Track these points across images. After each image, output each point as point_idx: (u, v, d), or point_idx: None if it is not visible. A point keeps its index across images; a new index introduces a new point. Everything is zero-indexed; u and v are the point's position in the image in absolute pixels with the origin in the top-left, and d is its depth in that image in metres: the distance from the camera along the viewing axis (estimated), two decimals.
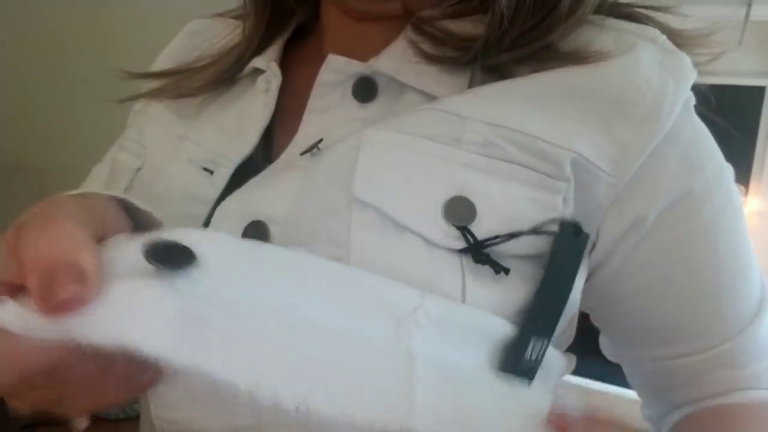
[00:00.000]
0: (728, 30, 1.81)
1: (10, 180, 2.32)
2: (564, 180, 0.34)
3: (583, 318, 2.04)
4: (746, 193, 2.01)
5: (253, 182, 0.36)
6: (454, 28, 0.36)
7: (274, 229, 0.34)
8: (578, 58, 0.36)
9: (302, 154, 0.36)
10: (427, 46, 0.36)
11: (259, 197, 0.35)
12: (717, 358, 0.40)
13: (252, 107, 0.41)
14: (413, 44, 0.37)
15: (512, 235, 0.32)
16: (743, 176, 2.02)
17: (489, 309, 0.32)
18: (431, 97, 0.36)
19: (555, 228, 0.33)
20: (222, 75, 0.44)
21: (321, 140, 0.35)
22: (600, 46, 0.37)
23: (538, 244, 0.33)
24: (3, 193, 2.33)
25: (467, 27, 0.36)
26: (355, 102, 0.38)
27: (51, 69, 2.26)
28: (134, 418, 1.99)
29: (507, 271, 0.32)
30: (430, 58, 0.36)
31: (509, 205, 0.33)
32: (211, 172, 0.40)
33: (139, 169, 0.44)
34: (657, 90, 0.37)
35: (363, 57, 0.38)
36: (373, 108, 0.37)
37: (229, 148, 0.40)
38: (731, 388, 0.39)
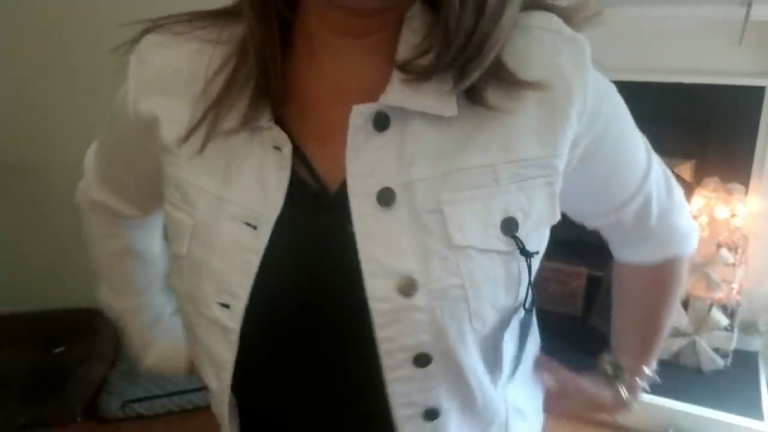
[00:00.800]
0: (728, 30, 1.81)
1: (10, 180, 2.33)
2: (557, 171, 0.50)
3: (583, 318, 2.04)
4: (746, 192, 2.01)
5: (362, 221, 0.47)
6: (425, 62, 0.45)
7: (420, 286, 0.46)
8: (520, 76, 0.47)
9: (381, 202, 0.46)
10: (414, 78, 0.46)
11: (392, 254, 0.46)
12: (635, 210, 0.61)
13: (267, 167, 0.48)
14: (405, 81, 0.46)
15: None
16: (743, 176, 2.02)
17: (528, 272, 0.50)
18: (429, 116, 0.47)
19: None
20: (247, 121, 0.49)
21: (389, 188, 0.46)
22: (536, 72, 0.48)
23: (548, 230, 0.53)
24: (3, 193, 2.33)
25: (430, 56, 0.45)
26: (376, 132, 0.47)
27: (51, 69, 2.27)
28: (134, 418, 1.99)
29: (537, 253, 0.50)
30: (420, 86, 0.46)
31: (535, 207, 0.49)
32: (254, 227, 0.48)
33: (194, 226, 0.50)
34: (575, 86, 0.49)
35: (357, 77, 0.49)
36: (390, 134, 0.47)
37: (262, 206, 0.48)
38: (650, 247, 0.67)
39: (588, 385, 0.72)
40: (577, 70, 0.49)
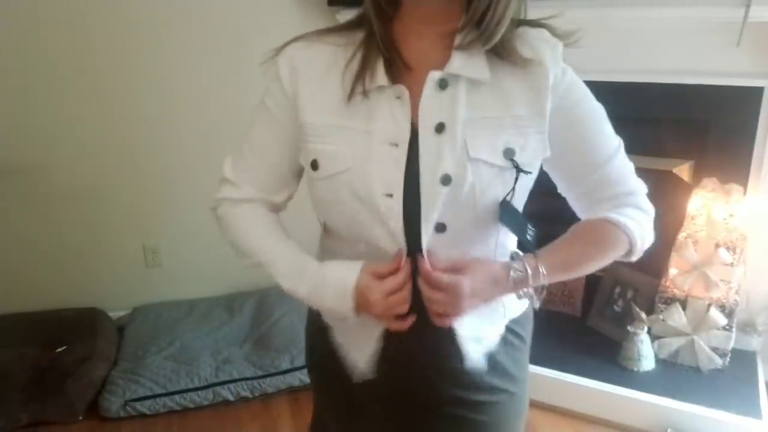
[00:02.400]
0: (726, 31, 1.82)
1: (11, 180, 2.34)
2: (544, 123, 0.79)
3: (583, 319, 2.05)
4: (744, 192, 2.02)
5: (425, 141, 0.77)
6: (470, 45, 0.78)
7: (452, 180, 0.77)
8: (520, 58, 0.78)
9: (437, 131, 0.77)
10: (467, 54, 0.78)
11: (437, 161, 0.77)
12: (602, 176, 0.85)
13: (397, 107, 0.78)
14: (458, 59, 0.77)
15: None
16: (742, 176, 2.03)
17: (525, 189, 0.82)
18: (470, 81, 0.78)
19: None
20: (374, 84, 0.79)
21: (442, 123, 0.77)
22: (527, 54, 0.79)
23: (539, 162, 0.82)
24: (3, 193, 2.34)
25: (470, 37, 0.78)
26: (439, 90, 0.78)
27: (51, 70, 2.28)
28: (135, 417, 2.00)
29: (530, 172, 0.80)
30: (467, 61, 0.78)
31: (530, 145, 0.79)
32: (396, 145, 0.77)
33: (354, 150, 0.78)
34: (550, 68, 0.78)
35: (428, 54, 0.79)
36: (448, 92, 0.78)
37: (397, 133, 0.77)
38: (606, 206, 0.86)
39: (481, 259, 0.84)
40: (553, 59, 0.79)
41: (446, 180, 0.75)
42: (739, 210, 1.99)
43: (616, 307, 2.24)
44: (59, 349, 2.17)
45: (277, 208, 0.95)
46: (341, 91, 0.79)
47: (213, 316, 2.45)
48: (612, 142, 0.85)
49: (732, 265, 1.96)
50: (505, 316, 0.90)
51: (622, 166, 0.86)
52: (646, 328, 2.02)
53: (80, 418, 2.01)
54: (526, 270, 0.79)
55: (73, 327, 2.30)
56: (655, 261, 2.15)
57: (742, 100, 1.96)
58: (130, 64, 2.32)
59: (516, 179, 0.77)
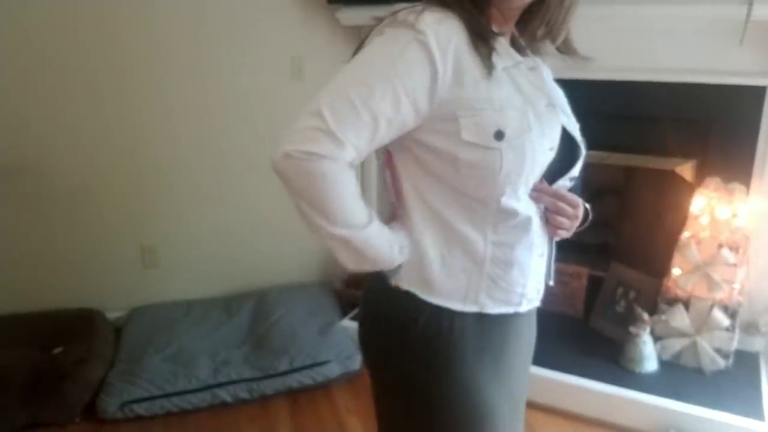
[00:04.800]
0: (729, 30, 1.80)
1: (7, 180, 2.32)
2: None
3: (585, 320, 2.04)
4: (747, 192, 2.01)
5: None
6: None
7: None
8: (576, 54, 0.98)
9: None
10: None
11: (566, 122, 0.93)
12: None
13: (534, 78, 0.91)
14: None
15: None
16: (744, 175, 2.02)
17: None
18: (533, 62, 0.93)
19: None
20: (513, 61, 0.89)
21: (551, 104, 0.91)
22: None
23: None
24: (3, 193, 2.33)
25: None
26: (528, 70, 0.91)
27: (49, 71, 2.26)
28: (133, 419, 1.99)
29: None
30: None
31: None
32: (553, 106, 0.90)
33: (520, 116, 0.85)
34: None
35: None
36: (535, 72, 0.92)
37: (547, 96, 0.90)
38: None
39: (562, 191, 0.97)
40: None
41: (582, 142, 0.95)
42: (743, 210, 1.98)
43: (618, 308, 2.23)
44: (56, 351, 2.16)
45: None
46: (480, 68, 0.83)
47: (211, 318, 2.43)
48: None
49: (735, 265, 1.95)
50: None
51: None
52: (648, 329, 2.01)
53: (77, 419, 2.00)
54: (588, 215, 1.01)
55: (70, 328, 2.28)
56: (658, 261, 2.14)
57: (746, 98, 1.95)
58: (128, 65, 2.30)
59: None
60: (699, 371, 2.01)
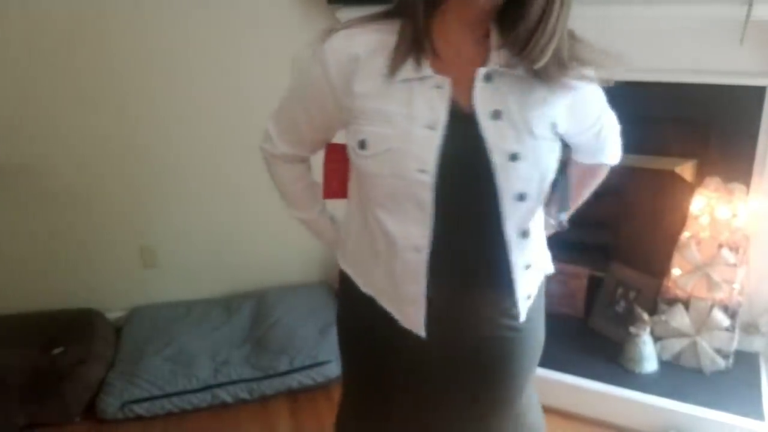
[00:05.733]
0: (729, 30, 1.80)
1: (6, 180, 2.32)
2: (568, 100, 0.93)
3: (585, 320, 2.03)
4: (747, 192, 2.01)
5: (486, 126, 0.87)
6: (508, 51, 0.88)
7: (521, 157, 0.88)
8: (557, 83, 0.90)
9: (493, 117, 0.87)
10: (506, 53, 0.87)
11: (497, 137, 0.87)
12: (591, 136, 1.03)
13: (435, 96, 0.87)
14: (497, 57, 0.88)
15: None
16: (744, 175, 2.02)
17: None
18: (511, 74, 0.87)
19: None
20: (417, 73, 0.87)
21: (498, 110, 0.87)
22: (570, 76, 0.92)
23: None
24: (3, 193, 2.33)
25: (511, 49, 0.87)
26: (486, 82, 0.87)
27: (51, 69, 2.26)
28: (133, 419, 1.99)
29: (564, 142, 0.95)
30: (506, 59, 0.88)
31: (562, 117, 0.92)
32: (433, 129, 0.86)
33: (395, 132, 0.87)
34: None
35: (468, 52, 0.89)
36: (492, 84, 0.87)
37: (435, 118, 0.86)
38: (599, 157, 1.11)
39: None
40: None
41: (514, 157, 0.86)
42: (743, 210, 1.98)
43: (618, 308, 2.23)
44: (56, 351, 2.16)
45: (308, 158, 1.11)
46: (383, 78, 0.87)
47: (211, 318, 2.43)
48: (602, 105, 1.02)
49: (735, 265, 1.95)
50: (542, 275, 1.07)
51: (608, 122, 1.06)
52: (648, 329, 2.01)
53: (77, 420, 2.00)
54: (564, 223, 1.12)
55: (70, 328, 2.29)
56: (658, 261, 2.14)
57: (745, 99, 1.95)
58: (128, 65, 2.30)
59: (560, 148, 0.92)
60: (699, 371, 2.01)
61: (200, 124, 2.44)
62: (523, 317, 0.99)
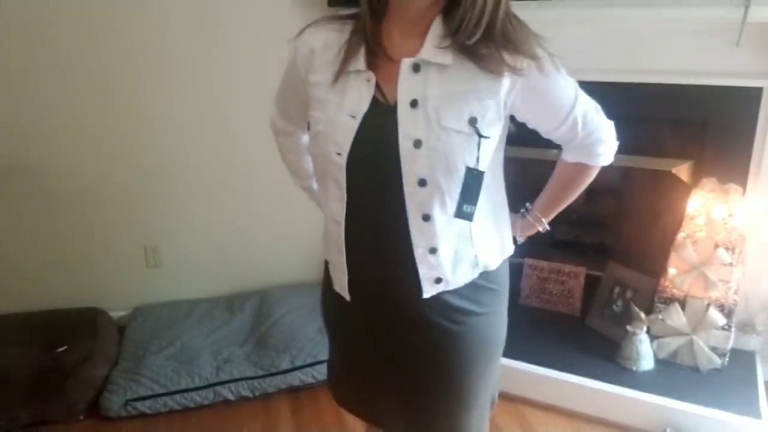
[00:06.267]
0: (726, 32, 1.82)
1: (11, 180, 2.34)
2: (499, 97, 0.94)
3: (582, 319, 2.05)
4: (743, 192, 2.02)
5: (402, 114, 0.93)
6: (443, 44, 0.93)
7: (423, 144, 0.93)
8: (485, 65, 0.94)
9: (411, 106, 0.93)
10: (438, 44, 0.93)
11: (412, 129, 0.93)
12: (569, 126, 1.03)
13: (364, 88, 0.96)
14: (429, 49, 0.93)
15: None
16: (741, 176, 2.03)
17: (488, 152, 0.97)
18: (438, 65, 0.93)
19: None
20: (356, 68, 0.97)
21: (415, 99, 0.93)
22: (506, 60, 0.94)
23: (498, 128, 0.98)
24: (3, 193, 2.34)
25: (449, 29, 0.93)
26: (413, 73, 0.94)
27: (51, 69, 2.28)
28: (136, 417, 2.01)
29: (488, 137, 0.95)
30: (436, 51, 0.93)
31: (488, 114, 0.94)
32: (354, 117, 0.95)
33: (327, 118, 0.98)
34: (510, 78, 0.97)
35: (406, 46, 0.95)
36: (420, 74, 0.93)
37: (358, 108, 0.96)
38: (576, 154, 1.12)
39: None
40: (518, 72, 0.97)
41: (418, 144, 0.92)
42: (738, 210, 1.99)
43: (615, 307, 2.25)
44: (60, 349, 2.18)
45: (305, 133, 1.23)
46: (332, 71, 0.99)
47: (213, 316, 2.45)
48: (569, 98, 1.00)
49: (731, 265, 1.97)
50: (478, 266, 1.05)
51: (582, 117, 1.03)
52: (645, 328, 2.03)
53: (81, 417, 2.02)
54: (532, 225, 1.20)
55: (74, 327, 2.30)
56: (655, 261, 2.16)
57: (742, 100, 1.97)
58: (131, 64, 2.32)
59: (479, 144, 0.94)
60: (695, 370, 2.03)
61: (203, 124, 2.45)
62: (427, 295, 1.01)
